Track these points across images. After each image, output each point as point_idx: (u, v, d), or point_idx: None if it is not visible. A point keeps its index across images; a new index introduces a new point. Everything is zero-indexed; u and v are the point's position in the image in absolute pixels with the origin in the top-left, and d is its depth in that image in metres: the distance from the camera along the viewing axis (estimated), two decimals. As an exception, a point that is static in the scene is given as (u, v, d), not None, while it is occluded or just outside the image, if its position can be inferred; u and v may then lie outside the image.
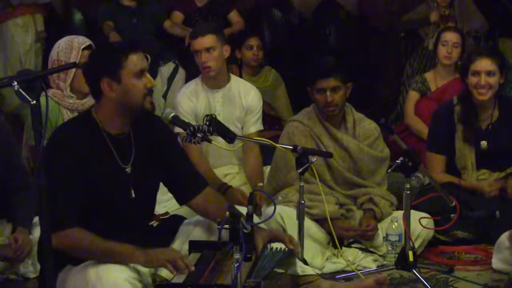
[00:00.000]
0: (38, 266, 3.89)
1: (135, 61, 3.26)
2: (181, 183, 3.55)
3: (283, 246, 3.47)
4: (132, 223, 3.37)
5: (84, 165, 3.23)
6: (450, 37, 5.96)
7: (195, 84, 4.99)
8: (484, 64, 4.72)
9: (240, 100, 4.96)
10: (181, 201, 3.61)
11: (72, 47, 4.27)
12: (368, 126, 4.58)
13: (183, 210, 4.11)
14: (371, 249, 4.36)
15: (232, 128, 4.57)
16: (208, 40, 4.83)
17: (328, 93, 4.40)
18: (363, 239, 4.35)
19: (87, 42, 4.33)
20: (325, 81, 4.40)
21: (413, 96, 6.05)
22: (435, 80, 6.05)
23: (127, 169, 3.35)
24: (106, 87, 3.25)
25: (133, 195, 3.36)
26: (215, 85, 4.93)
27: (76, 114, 4.31)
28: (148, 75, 3.33)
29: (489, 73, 4.71)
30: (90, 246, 3.19)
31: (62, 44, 4.32)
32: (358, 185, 4.50)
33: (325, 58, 4.88)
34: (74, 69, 4.24)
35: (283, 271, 3.28)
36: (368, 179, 4.52)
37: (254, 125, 5.00)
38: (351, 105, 4.61)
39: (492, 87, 4.72)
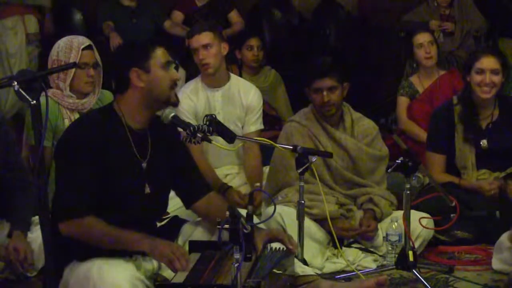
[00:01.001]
0: (39, 265, 3.90)
1: (162, 53, 3.38)
2: (187, 184, 3.58)
3: (281, 246, 3.47)
4: (143, 220, 3.39)
5: (102, 156, 3.27)
6: (424, 37, 6.02)
7: (195, 83, 4.98)
8: (489, 62, 4.73)
9: (240, 99, 4.94)
10: (187, 203, 3.62)
11: (71, 47, 4.27)
12: (366, 125, 4.58)
13: (183, 212, 4.10)
14: (371, 249, 4.36)
15: (232, 127, 4.58)
16: (204, 37, 4.82)
17: (324, 93, 4.40)
18: (363, 239, 4.35)
19: (87, 42, 4.33)
20: (321, 81, 4.41)
21: (403, 101, 6.08)
22: (420, 82, 6.09)
23: (143, 164, 3.39)
24: (134, 77, 3.33)
25: (148, 191, 3.40)
26: (215, 84, 4.93)
27: (76, 114, 4.32)
28: (173, 69, 3.42)
29: (493, 71, 4.72)
30: (101, 233, 3.24)
31: (61, 44, 4.32)
32: (357, 184, 4.50)
33: (321, 58, 4.86)
34: (74, 69, 4.25)
35: (280, 271, 3.28)
36: (367, 178, 4.51)
37: (254, 124, 4.99)
38: (351, 105, 4.61)
39: (496, 85, 4.73)
